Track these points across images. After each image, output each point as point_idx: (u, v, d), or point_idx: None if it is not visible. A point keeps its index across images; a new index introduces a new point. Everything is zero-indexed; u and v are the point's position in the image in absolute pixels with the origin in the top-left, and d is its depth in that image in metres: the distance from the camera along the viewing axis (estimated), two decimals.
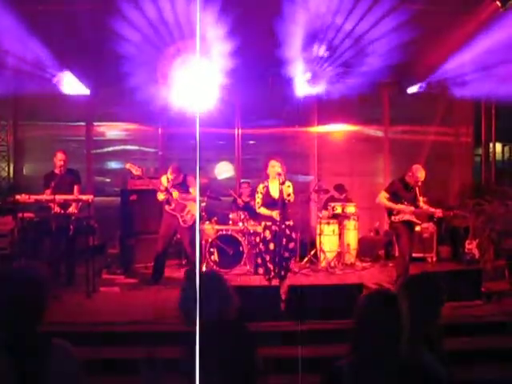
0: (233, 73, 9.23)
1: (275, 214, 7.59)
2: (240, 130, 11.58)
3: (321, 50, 9.64)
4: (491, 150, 11.80)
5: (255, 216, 9.03)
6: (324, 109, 11.22)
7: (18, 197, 7.70)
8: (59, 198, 7.75)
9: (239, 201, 9.98)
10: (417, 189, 8.04)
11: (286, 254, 7.66)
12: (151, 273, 8.48)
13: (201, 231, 9.16)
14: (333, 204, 9.83)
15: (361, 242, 10.19)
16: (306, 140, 11.62)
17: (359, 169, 11.58)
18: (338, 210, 9.70)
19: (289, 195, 7.53)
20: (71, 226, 7.88)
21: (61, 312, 6.54)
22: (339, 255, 9.59)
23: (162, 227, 8.37)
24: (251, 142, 11.81)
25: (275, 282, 7.19)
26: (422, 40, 8.88)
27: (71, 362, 2.54)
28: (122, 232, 9.52)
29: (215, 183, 11.21)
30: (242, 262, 9.08)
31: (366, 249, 10.30)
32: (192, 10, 8.57)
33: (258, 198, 7.89)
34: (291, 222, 7.78)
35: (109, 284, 8.32)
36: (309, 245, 10.03)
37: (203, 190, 9.48)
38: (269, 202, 7.74)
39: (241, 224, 9.41)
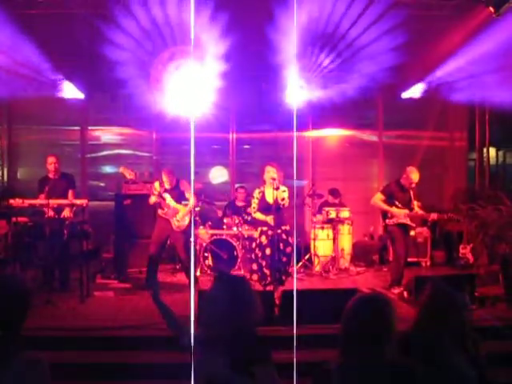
0: (227, 77, 9.25)
1: (269, 219, 7.59)
2: (234, 135, 11.59)
3: (315, 55, 9.67)
4: (485, 154, 11.84)
5: (250, 221, 9.05)
6: (318, 113, 11.23)
7: (11, 201, 7.68)
8: (53, 202, 7.74)
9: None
10: (411, 192, 8.11)
11: (284, 259, 7.66)
12: (145, 277, 8.47)
13: (195, 236, 9.15)
14: (327, 208, 9.84)
15: (355, 246, 10.21)
16: (301, 144, 11.64)
17: (353, 173, 11.60)
18: (333, 215, 9.71)
19: (283, 199, 7.53)
20: (65, 231, 7.85)
21: (55, 316, 6.53)
22: (333, 260, 9.60)
23: (155, 231, 8.35)
24: (246, 146, 11.83)
25: (270, 288, 7.19)
26: (416, 45, 8.92)
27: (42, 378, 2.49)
28: (116, 236, 9.49)
29: (210, 188, 11.22)
30: (237, 267, 9.07)
31: (360, 253, 10.31)
32: (185, 16, 8.59)
33: (254, 203, 7.89)
34: (288, 227, 7.78)
35: (103, 288, 8.29)
36: (303, 249, 10.03)
37: (198, 195, 9.47)
38: (264, 207, 7.75)
39: (235, 229, 9.41)
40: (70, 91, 10.26)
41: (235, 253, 9.10)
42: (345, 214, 9.83)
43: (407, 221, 8.03)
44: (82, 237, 7.87)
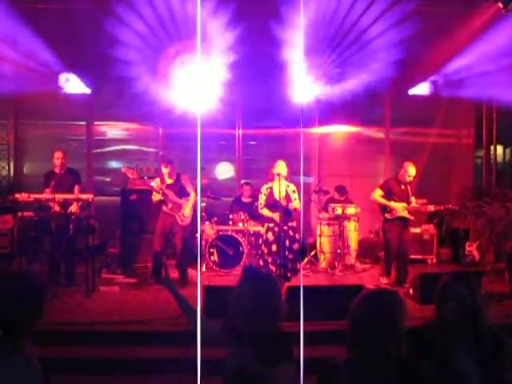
0: (233, 73, 9.23)
1: (276, 216, 7.59)
2: (241, 131, 11.58)
3: (322, 51, 9.64)
4: (492, 152, 11.79)
5: (256, 217, 9.04)
6: (325, 110, 11.19)
7: (17, 196, 7.69)
8: (59, 197, 7.75)
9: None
10: (409, 187, 8.26)
11: (291, 256, 7.65)
12: (151, 272, 8.48)
13: (201, 231, 9.15)
14: (333, 205, 9.82)
15: (361, 243, 10.18)
16: (307, 141, 11.61)
17: (360, 170, 11.56)
18: (339, 211, 9.68)
19: (293, 201, 7.52)
20: (71, 226, 7.88)
21: (60, 311, 6.54)
22: (339, 256, 9.58)
23: (158, 225, 8.37)
24: (252, 142, 11.81)
25: None
26: (423, 41, 8.88)
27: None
28: (122, 231, 9.51)
29: (216, 183, 11.21)
30: (242, 263, 9.06)
31: (366, 250, 10.28)
32: (192, 10, 8.58)
33: (262, 198, 7.90)
34: (294, 223, 7.77)
35: (109, 283, 8.32)
36: (309, 246, 10.01)
37: (204, 191, 9.47)
38: (272, 204, 7.74)
39: (241, 224, 9.40)
40: (76, 86, 10.25)
41: (241, 249, 9.09)
42: (351, 210, 9.81)
43: (405, 214, 8.18)
44: (88, 232, 7.88)
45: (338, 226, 9.70)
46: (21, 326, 2.47)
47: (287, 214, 7.84)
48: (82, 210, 8.16)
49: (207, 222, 9.41)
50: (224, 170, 11.72)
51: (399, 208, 8.14)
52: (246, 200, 10.02)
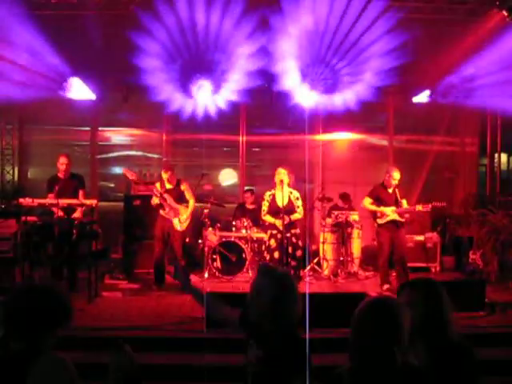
0: (238, 80, 9.25)
1: (279, 222, 7.57)
2: (245, 137, 11.58)
3: (327, 59, 9.65)
4: (496, 160, 11.77)
5: (259, 223, 9.03)
6: (328, 117, 11.19)
7: (21, 200, 7.70)
8: (63, 202, 7.75)
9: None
10: (397, 190, 8.36)
11: (294, 263, 7.62)
12: (153, 278, 8.48)
13: (204, 237, 9.15)
14: (336, 212, 9.80)
15: (364, 250, 10.15)
16: (311, 148, 11.60)
17: (363, 177, 11.52)
18: (342, 219, 9.67)
19: (296, 209, 7.52)
20: (74, 231, 7.87)
21: None
22: (342, 264, 9.56)
23: (157, 229, 8.44)
24: (256, 149, 11.81)
25: None
26: (427, 49, 8.89)
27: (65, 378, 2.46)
28: (125, 237, 9.52)
29: (219, 190, 11.22)
30: (245, 269, 9.04)
31: (369, 258, 10.24)
32: (199, 19, 8.61)
33: (265, 205, 7.89)
34: (297, 230, 7.75)
35: (111, 289, 8.31)
36: (312, 253, 9.99)
37: (207, 197, 9.48)
38: (274, 210, 7.73)
39: (244, 231, 9.38)
40: (81, 92, 10.28)
41: (244, 255, 9.07)
42: (354, 217, 9.79)
43: (395, 216, 8.22)
44: (91, 237, 7.89)
45: (341, 233, 9.68)
46: (46, 337, 2.53)
47: (290, 223, 7.84)
48: (86, 216, 8.16)
49: (210, 229, 9.40)
50: (227, 177, 11.73)
51: (389, 212, 8.21)
52: (249, 207, 10.02)
